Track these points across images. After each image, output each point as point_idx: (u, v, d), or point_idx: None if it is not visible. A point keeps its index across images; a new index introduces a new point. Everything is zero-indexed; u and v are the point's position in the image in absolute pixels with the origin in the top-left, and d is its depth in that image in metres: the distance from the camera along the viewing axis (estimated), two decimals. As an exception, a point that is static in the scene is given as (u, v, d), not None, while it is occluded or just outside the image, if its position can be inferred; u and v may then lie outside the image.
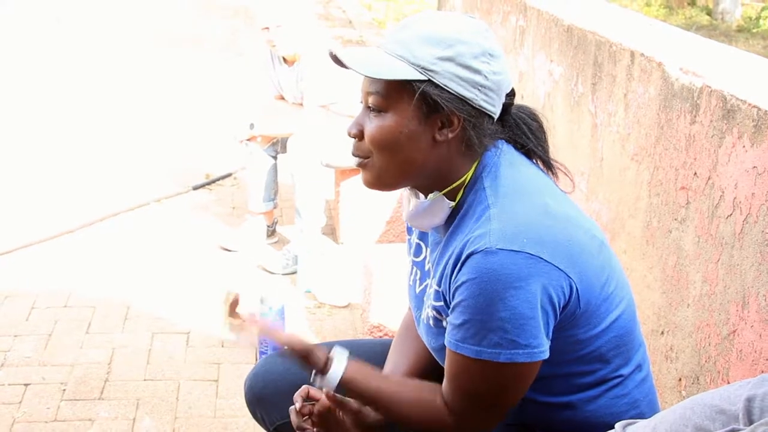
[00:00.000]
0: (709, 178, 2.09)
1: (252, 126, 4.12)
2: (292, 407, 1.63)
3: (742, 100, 1.96)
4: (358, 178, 4.52)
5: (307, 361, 1.62)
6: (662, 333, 2.32)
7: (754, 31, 11.08)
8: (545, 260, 1.37)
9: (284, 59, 4.05)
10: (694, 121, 2.16)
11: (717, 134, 2.05)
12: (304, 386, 1.65)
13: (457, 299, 1.42)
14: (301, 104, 4.04)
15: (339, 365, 1.59)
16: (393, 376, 1.70)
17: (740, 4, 11.95)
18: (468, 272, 1.39)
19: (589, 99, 2.86)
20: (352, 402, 1.64)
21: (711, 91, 2.09)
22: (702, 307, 2.11)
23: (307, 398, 1.63)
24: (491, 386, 1.45)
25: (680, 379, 2.22)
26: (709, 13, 12.12)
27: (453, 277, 1.44)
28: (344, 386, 1.59)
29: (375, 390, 1.59)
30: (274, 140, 4.19)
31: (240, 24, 9.93)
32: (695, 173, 2.15)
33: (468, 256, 1.39)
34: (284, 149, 4.14)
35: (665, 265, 2.31)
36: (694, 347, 2.15)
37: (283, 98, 4.21)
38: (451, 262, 1.46)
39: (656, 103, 2.37)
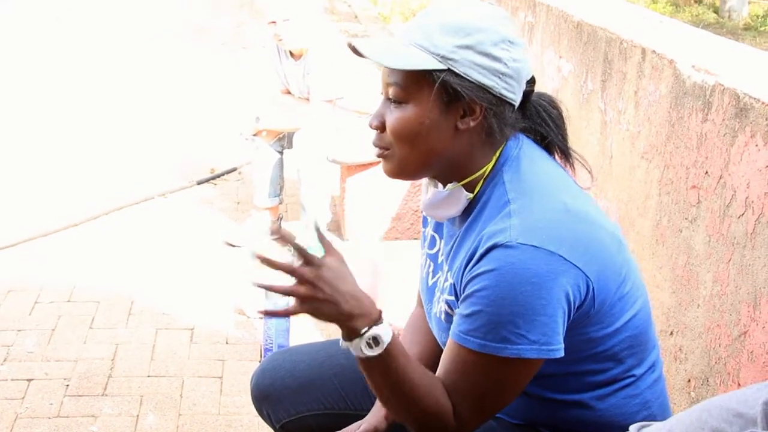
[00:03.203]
0: (720, 177, 2.06)
1: (257, 119, 4.11)
2: None
3: (755, 99, 1.93)
4: (364, 174, 4.52)
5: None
6: (671, 333, 2.30)
7: (762, 29, 11.04)
8: (564, 258, 1.36)
9: (291, 53, 4.03)
10: (706, 119, 2.14)
11: (729, 133, 2.02)
12: None
13: (470, 290, 1.40)
14: (308, 99, 4.02)
15: (389, 330, 1.44)
16: (416, 366, 1.47)
17: (747, 2, 11.90)
18: (487, 264, 1.38)
19: (598, 96, 2.83)
20: None
21: (724, 89, 2.06)
22: (712, 307, 2.09)
23: None
24: (492, 382, 1.42)
25: (689, 380, 2.20)
26: (716, 11, 12.08)
27: (468, 269, 1.42)
28: (386, 353, 1.42)
29: (400, 376, 1.44)
30: (280, 135, 4.18)
31: (245, 17, 9.91)
32: (707, 172, 2.13)
33: (488, 249, 1.38)
34: (290, 144, 4.12)
35: (675, 264, 2.29)
36: (704, 348, 2.13)
37: (289, 92, 4.20)
38: (467, 254, 1.44)
39: (667, 101, 2.34)
